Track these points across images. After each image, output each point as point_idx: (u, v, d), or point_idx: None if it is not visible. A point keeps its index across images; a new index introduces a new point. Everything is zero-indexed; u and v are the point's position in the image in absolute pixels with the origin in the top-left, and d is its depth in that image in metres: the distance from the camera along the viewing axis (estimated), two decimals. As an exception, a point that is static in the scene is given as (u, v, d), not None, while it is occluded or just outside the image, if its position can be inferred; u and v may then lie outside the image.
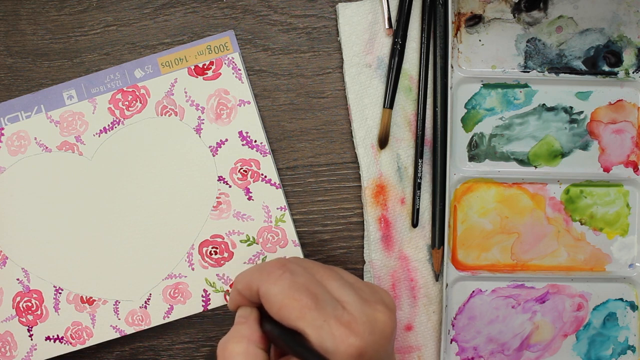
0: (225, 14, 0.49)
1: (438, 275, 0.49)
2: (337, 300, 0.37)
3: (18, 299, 0.48)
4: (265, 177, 0.49)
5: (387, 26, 0.48)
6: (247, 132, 0.48)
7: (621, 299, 0.50)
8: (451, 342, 0.49)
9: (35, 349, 0.48)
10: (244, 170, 0.49)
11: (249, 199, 0.49)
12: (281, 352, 0.38)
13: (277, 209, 0.49)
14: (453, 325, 0.49)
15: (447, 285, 0.48)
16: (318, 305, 0.36)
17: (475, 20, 0.49)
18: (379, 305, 0.38)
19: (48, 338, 0.48)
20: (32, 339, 0.48)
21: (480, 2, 0.49)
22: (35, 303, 0.48)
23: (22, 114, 0.48)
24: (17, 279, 0.48)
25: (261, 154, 0.49)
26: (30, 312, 0.48)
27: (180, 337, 0.50)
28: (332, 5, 0.49)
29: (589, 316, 0.50)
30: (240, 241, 0.49)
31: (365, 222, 0.49)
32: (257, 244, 0.49)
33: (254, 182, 0.49)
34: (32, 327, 0.48)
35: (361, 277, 0.49)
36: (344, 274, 0.41)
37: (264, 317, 0.38)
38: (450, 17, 0.47)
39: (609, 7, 0.49)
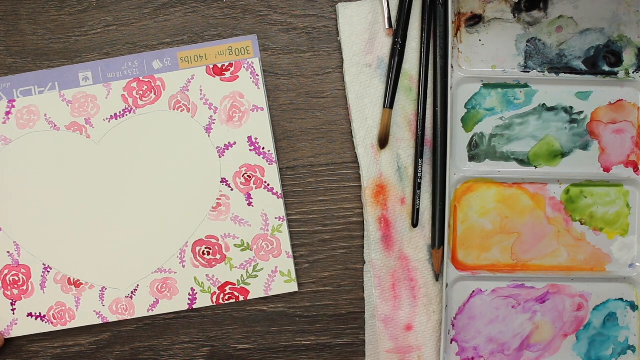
0: (225, 14, 0.49)
1: (438, 275, 0.49)
2: None
3: (6, 271, 0.48)
4: (269, 185, 0.48)
5: (387, 26, 0.48)
6: (256, 139, 0.48)
7: (621, 299, 0.50)
8: (451, 342, 0.49)
9: (16, 324, 0.48)
10: (247, 176, 0.48)
11: (249, 204, 0.49)
12: None
13: (276, 218, 0.49)
14: (453, 325, 0.49)
15: (447, 285, 0.48)
16: None
17: (475, 20, 0.49)
18: None
19: (30, 314, 0.48)
20: (14, 313, 0.48)
21: (480, 2, 0.49)
22: (22, 278, 0.48)
23: (35, 88, 0.48)
24: (8, 252, 0.48)
25: (267, 161, 0.48)
26: (16, 286, 0.48)
27: (180, 337, 0.50)
28: (332, 5, 0.49)
29: (589, 316, 0.50)
30: (235, 245, 0.49)
31: (365, 222, 0.49)
32: (250, 250, 0.49)
33: (256, 188, 0.48)
34: (15, 302, 0.48)
35: (361, 277, 0.49)
36: None
37: None
38: (450, 17, 0.47)
39: (609, 7, 0.49)
